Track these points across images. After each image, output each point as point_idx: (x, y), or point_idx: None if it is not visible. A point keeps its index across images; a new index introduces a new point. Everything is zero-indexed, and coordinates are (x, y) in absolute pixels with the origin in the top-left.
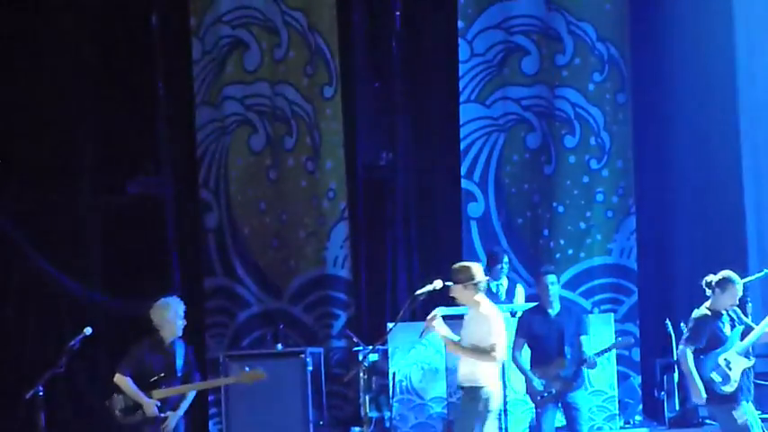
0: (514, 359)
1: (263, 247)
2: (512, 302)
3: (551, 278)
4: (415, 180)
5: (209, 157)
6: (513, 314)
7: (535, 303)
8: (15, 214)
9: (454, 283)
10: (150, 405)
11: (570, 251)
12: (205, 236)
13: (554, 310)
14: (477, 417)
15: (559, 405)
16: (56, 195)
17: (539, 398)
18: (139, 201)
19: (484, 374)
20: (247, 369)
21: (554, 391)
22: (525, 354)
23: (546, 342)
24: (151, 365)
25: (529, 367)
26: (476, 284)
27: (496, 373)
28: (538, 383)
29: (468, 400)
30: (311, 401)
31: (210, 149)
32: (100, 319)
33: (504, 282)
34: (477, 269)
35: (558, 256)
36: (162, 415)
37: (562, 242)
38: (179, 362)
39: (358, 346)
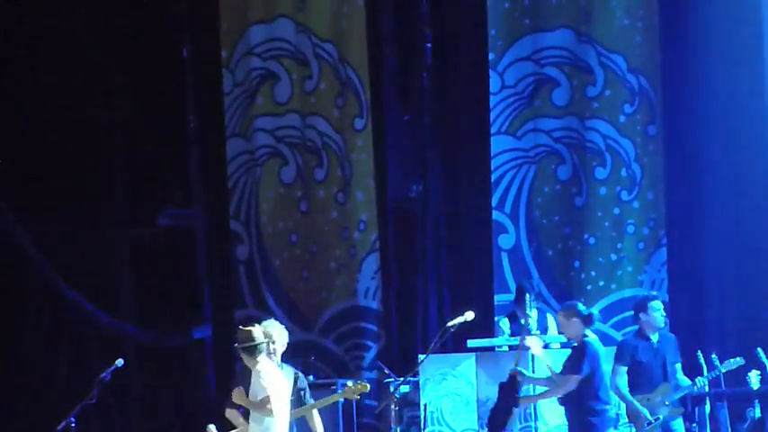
0: (616, 386)
1: (293, 279)
2: (545, 333)
3: (658, 304)
4: (445, 211)
5: (240, 189)
6: (546, 346)
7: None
8: (47, 247)
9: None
10: None
11: (601, 283)
12: (236, 268)
13: (656, 336)
14: None
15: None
16: (87, 227)
17: (647, 424)
18: (170, 233)
19: None
20: (351, 383)
21: (661, 418)
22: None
23: (650, 369)
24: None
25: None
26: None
27: None
28: (645, 411)
29: None
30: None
31: (241, 181)
32: (131, 350)
33: (534, 313)
34: None
35: (588, 287)
36: None
37: (593, 274)
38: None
39: (389, 377)
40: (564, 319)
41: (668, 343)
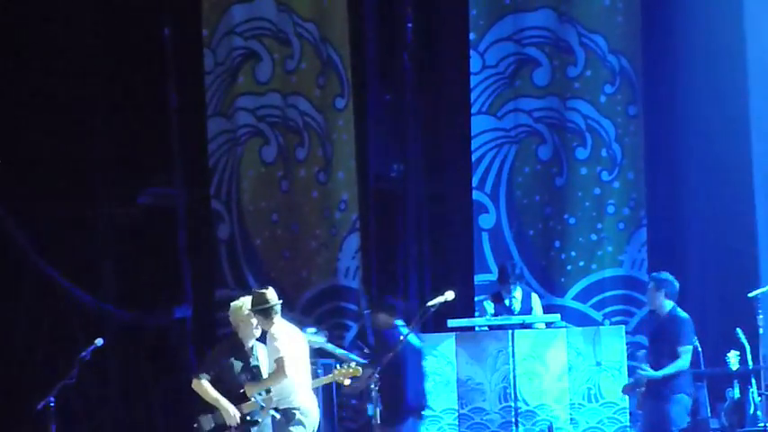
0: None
1: (274, 258)
2: (529, 313)
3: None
4: (426, 191)
5: (221, 169)
6: (528, 326)
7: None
8: (26, 225)
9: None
10: (233, 412)
11: (581, 263)
12: (217, 247)
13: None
14: None
15: None
16: (67, 206)
17: None
18: (151, 211)
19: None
20: (339, 367)
21: None
22: None
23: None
24: (232, 369)
25: None
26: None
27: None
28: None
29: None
30: (322, 413)
31: (222, 160)
32: (111, 330)
33: (518, 293)
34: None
35: (569, 267)
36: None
37: (573, 254)
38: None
39: (369, 357)
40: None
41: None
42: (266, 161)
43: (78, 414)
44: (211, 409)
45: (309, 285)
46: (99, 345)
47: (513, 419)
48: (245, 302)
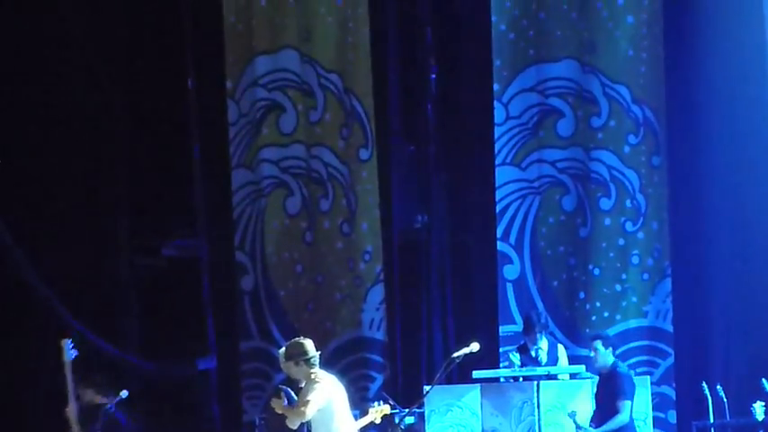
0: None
1: (298, 310)
2: (555, 363)
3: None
4: (450, 242)
5: (245, 220)
6: (553, 377)
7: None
8: (50, 276)
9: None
10: None
11: (606, 314)
12: (241, 298)
13: None
14: None
15: None
16: (91, 258)
17: None
18: (175, 263)
19: None
20: (375, 405)
21: None
22: None
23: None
24: None
25: None
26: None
27: None
28: None
29: None
30: None
31: (246, 212)
32: (135, 381)
33: (544, 344)
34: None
35: (593, 318)
36: None
37: (598, 304)
38: None
39: (394, 408)
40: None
41: None
42: (290, 212)
43: None
44: None
45: (334, 337)
46: (124, 397)
47: None
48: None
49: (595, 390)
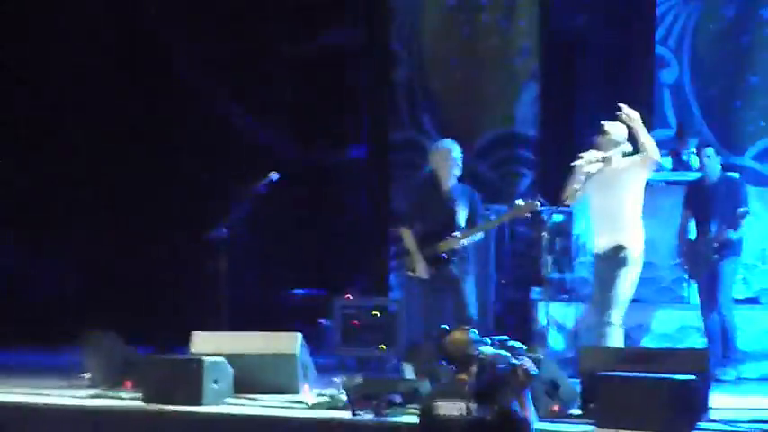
0: None
1: (451, 103)
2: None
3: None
4: (608, 43)
5: (403, 10)
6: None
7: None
8: (204, 65)
9: None
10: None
11: (762, 123)
12: (395, 88)
13: None
14: None
15: None
16: (248, 43)
17: None
18: (332, 50)
19: None
20: (521, 201)
21: None
22: None
23: None
24: (428, 209)
25: None
26: None
27: None
28: None
29: None
30: (493, 260)
31: (402, 1)
32: (286, 167)
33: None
34: None
35: (750, 127)
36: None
37: (754, 113)
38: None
39: (543, 206)
40: None
41: None
42: (449, 4)
43: (250, 246)
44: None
45: (485, 131)
46: (274, 179)
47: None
48: (438, 148)
49: (693, 199)
